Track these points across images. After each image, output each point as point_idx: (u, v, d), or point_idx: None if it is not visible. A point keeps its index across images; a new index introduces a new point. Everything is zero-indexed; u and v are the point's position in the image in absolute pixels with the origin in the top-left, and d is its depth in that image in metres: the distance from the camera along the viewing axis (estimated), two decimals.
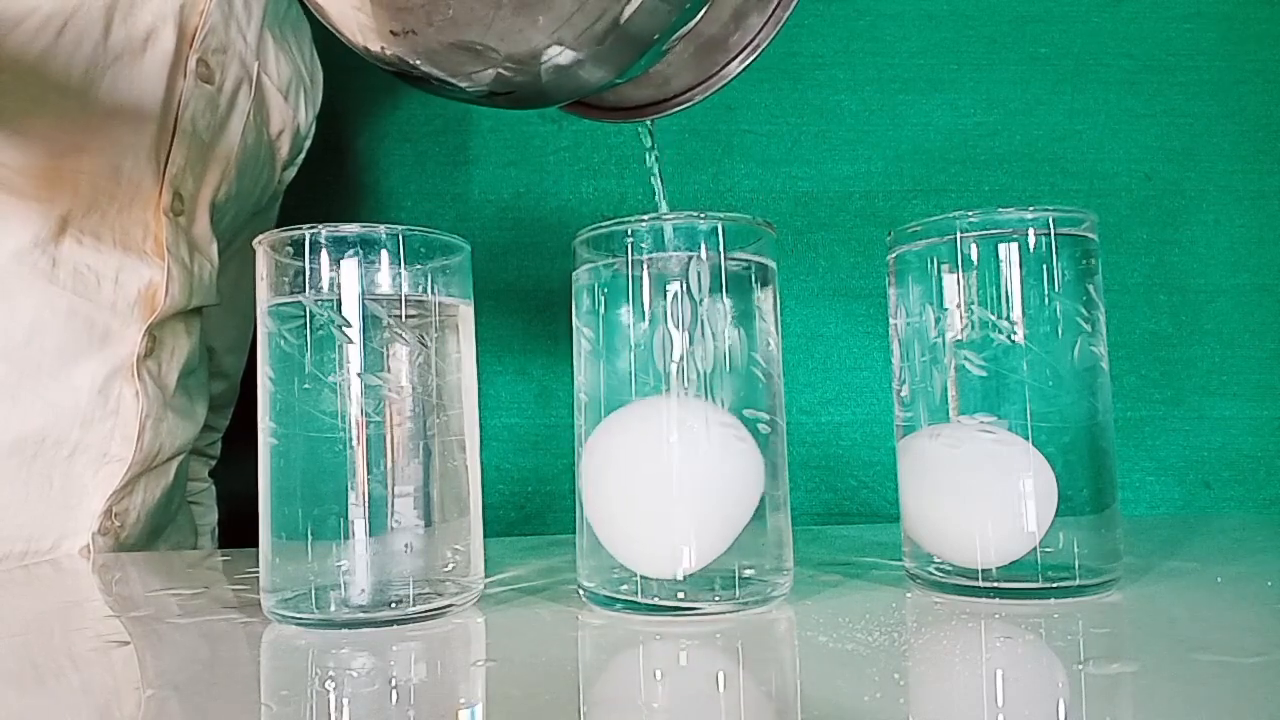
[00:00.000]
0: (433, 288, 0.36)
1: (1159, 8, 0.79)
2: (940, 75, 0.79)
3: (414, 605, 0.34)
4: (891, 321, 0.39)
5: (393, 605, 0.33)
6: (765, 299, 0.36)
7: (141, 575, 0.48)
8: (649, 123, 0.49)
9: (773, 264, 0.36)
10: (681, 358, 0.34)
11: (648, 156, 0.48)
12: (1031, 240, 0.35)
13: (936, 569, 0.36)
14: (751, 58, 0.47)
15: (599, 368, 0.36)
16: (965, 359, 0.36)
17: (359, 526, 0.33)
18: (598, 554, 0.35)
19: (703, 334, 0.34)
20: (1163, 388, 0.77)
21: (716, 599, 0.33)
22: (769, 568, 0.35)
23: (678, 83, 0.49)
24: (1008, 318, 0.35)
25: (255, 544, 0.35)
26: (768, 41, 0.47)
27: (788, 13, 0.46)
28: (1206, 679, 0.25)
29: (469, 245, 0.38)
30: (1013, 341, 0.35)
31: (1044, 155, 0.78)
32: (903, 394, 0.38)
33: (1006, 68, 0.79)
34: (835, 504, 0.76)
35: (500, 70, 0.39)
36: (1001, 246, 0.35)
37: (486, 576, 0.38)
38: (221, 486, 0.70)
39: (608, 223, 0.35)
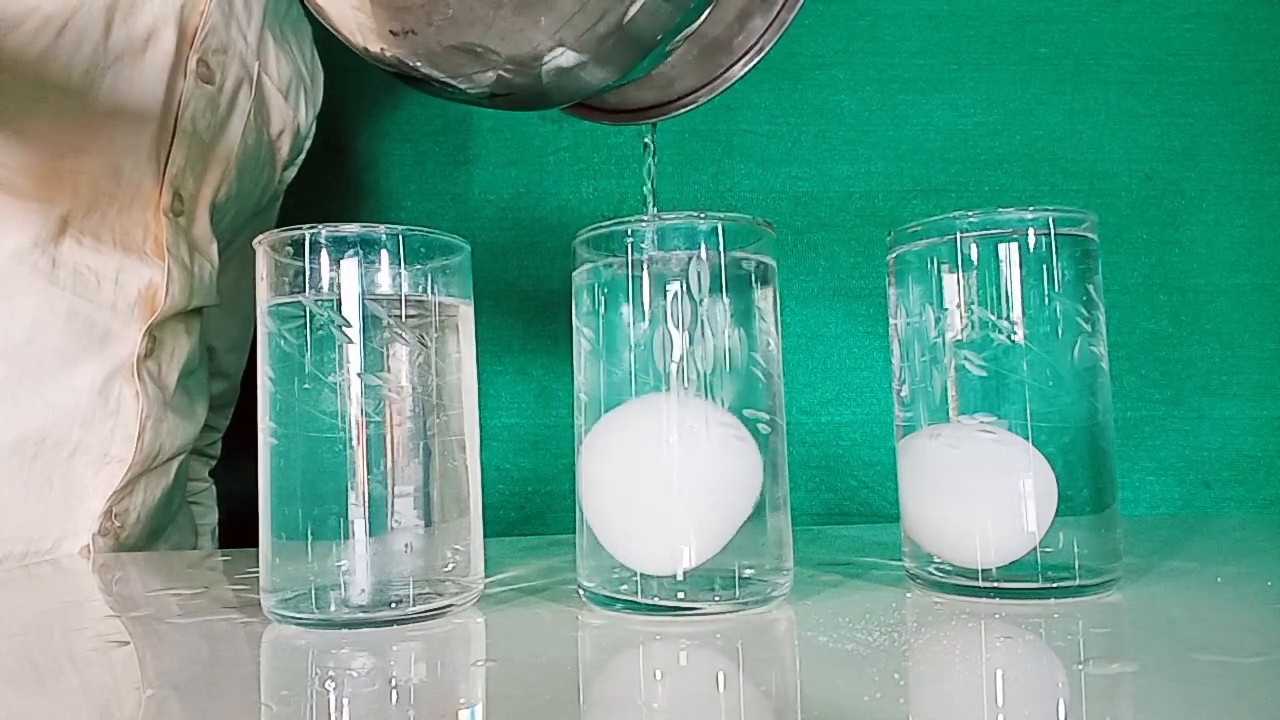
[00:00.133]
0: (433, 288, 0.36)
1: (1159, 8, 0.79)
2: (940, 75, 0.79)
3: (414, 605, 0.34)
4: (891, 321, 0.39)
5: (393, 605, 0.33)
6: (765, 299, 0.36)
7: (141, 575, 0.48)
8: (651, 127, 0.49)
9: (773, 264, 0.36)
10: (681, 358, 0.34)
11: (648, 161, 0.48)
12: (1031, 240, 0.35)
13: (936, 569, 0.36)
14: (755, 60, 0.47)
15: (599, 368, 0.36)
16: (965, 359, 0.36)
17: (359, 526, 0.33)
18: (598, 554, 0.35)
19: (703, 334, 0.34)
20: (1163, 388, 0.77)
21: (716, 599, 0.33)
22: (769, 568, 0.35)
23: (681, 85, 0.49)
24: (1008, 318, 0.35)
25: (255, 544, 0.35)
26: (771, 44, 0.47)
27: (792, 15, 0.46)
28: (1206, 679, 0.25)
29: (469, 245, 0.38)
30: (1013, 341, 0.35)
31: (1044, 155, 0.78)
32: (903, 394, 0.38)
33: (1006, 68, 0.79)
34: (835, 504, 0.76)
35: (501, 72, 0.38)
36: (1001, 246, 0.35)
37: (486, 576, 0.38)
38: (221, 486, 0.70)
39: (608, 223, 0.35)
